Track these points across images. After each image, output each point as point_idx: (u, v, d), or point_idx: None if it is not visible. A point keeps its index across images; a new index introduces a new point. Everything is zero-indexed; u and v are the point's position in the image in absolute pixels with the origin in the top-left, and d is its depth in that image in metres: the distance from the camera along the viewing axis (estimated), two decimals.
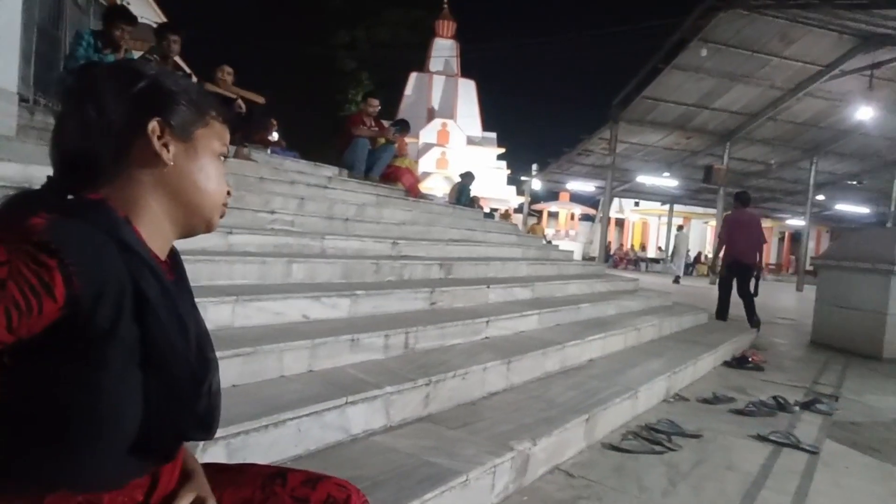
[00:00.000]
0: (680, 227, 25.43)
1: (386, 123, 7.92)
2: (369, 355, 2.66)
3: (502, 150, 28.11)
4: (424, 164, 25.01)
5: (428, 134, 26.35)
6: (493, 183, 26.69)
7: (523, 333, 3.79)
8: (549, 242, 10.89)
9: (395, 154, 7.64)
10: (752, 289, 6.79)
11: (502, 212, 25.87)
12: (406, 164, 7.98)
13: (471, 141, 27.08)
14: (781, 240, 36.16)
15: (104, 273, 0.72)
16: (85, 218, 0.74)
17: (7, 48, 3.47)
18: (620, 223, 35.71)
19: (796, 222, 28.14)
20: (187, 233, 0.90)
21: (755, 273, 6.84)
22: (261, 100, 5.81)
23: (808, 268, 18.54)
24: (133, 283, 0.75)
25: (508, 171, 28.06)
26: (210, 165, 0.89)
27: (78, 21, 7.50)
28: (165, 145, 0.84)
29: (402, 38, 29.88)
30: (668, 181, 21.93)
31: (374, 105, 7.59)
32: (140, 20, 5.26)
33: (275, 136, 9.16)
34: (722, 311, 7.04)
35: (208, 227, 0.92)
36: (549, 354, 3.44)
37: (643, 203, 31.38)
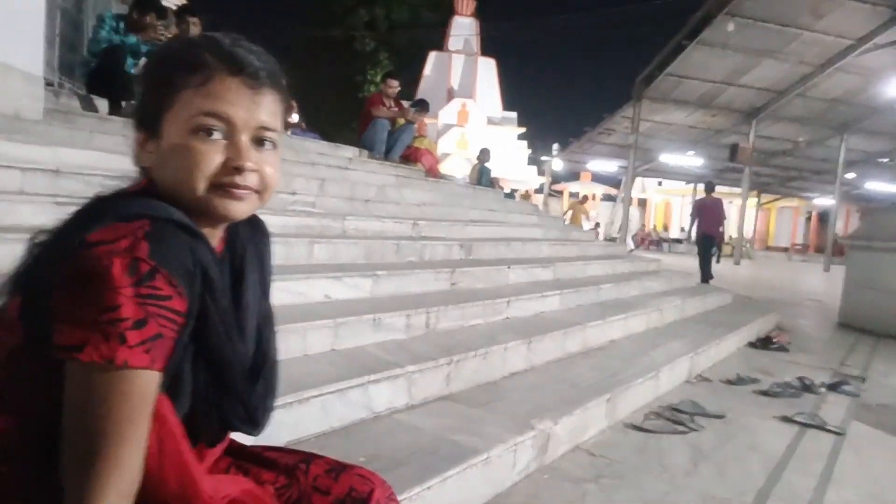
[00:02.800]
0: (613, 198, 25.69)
1: (405, 104, 7.88)
2: (391, 335, 2.67)
3: (523, 130, 27.82)
4: (444, 144, 24.89)
5: (448, 114, 26.18)
6: (514, 163, 26.47)
7: (544, 314, 3.78)
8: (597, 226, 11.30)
9: (415, 135, 7.63)
10: (714, 255, 9.07)
11: (523, 192, 25.71)
12: (426, 144, 7.97)
13: (491, 121, 26.85)
14: (808, 219, 35.44)
15: (194, 277, 0.73)
16: (160, 218, 0.72)
17: (32, 32, 3.50)
18: (643, 203, 35.27)
19: (824, 201, 27.54)
20: (209, 219, 0.80)
21: (716, 242, 9.14)
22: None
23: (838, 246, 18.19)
24: (202, 271, 0.74)
25: (529, 151, 27.81)
26: (176, 151, 0.76)
27: (101, 4, 7.55)
28: (144, 148, 0.80)
29: (421, 17, 29.57)
30: (692, 160, 21.56)
31: (394, 86, 7.55)
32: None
33: (295, 117, 9.19)
34: (703, 272, 8.83)
35: (214, 215, 0.79)
36: (571, 335, 3.44)
37: (666, 183, 30.93)
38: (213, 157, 0.76)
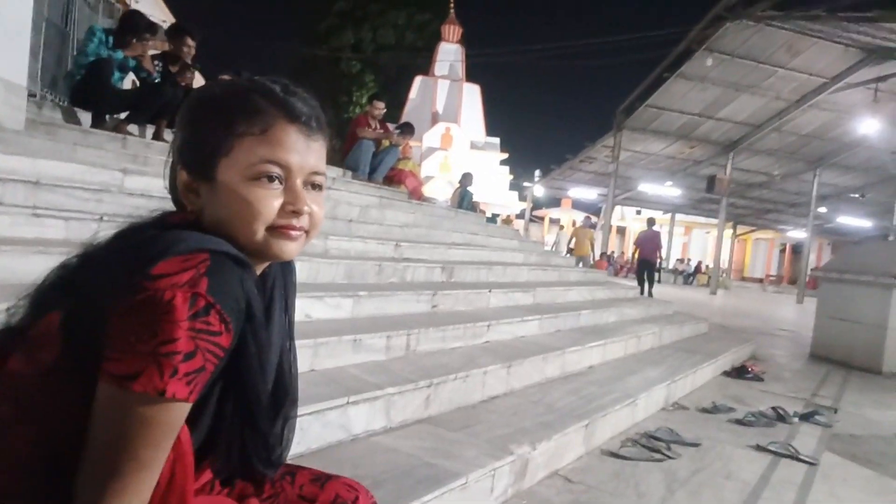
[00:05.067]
0: (561, 227, 26.37)
1: (391, 126, 7.94)
2: (371, 356, 2.66)
3: (505, 156, 28.16)
4: (427, 167, 25.05)
5: (431, 138, 26.40)
6: (495, 188, 26.72)
7: (524, 338, 3.79)
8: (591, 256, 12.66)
9: (399, 157, 7.67)
10: (654, 276, 11.86)
11: (504, 217, 25.90)
12: (409, 167, 8.01)
13: (474, 145, 27.13)
14: (782, 251, 36.17)
15: (242, 313, 0.74)
16: (218, 252, 0.73)
17: (17, 43, 3.48)
18: (622, 231, 35.73)
19: (798, 234, 28.15)
20: (257, 258, 0.83)
21: (656, 266, 11.95)
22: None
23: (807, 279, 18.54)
24: (247, 306, 0.75)
25: (511, 177, 28.11)
26: (237, 198, 0.78)
27: (87, 18, 7.53)
28: (194, 190, 0.81)
29: (407, 41, 29.96)
30: (670, 190, 21.97)
31: (380, 108, 7.61)
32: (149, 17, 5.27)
33: None
34: (641, 288, 10.99)
35: (267, 255, 0.82)
36: (550, 360, 3.45)
37: (645, 211, 31.42)
38: (273, 202, 0.79)
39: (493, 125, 29.37)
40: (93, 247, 0.79)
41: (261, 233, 0.79)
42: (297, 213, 0.80)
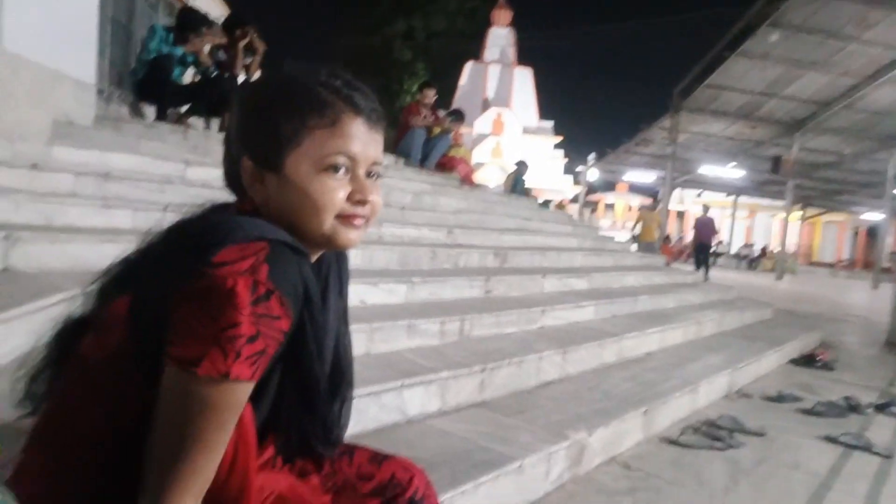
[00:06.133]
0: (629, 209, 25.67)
1: (441, 113, 7.93)
2: (425, 341, 2.68)
3: (559, 139, 27.70)
4: (479, 154, 24.94)
5: (483, 124, 26.26)
6: (549, 172, 26.36)
7: (579, 324, 3.74)
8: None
9: (451, 144, 7.66)
10: (709, 259, 13.23)
11: (557, 202, 25.56)
12: (461, 153, 7.98)
13: (526, 130, 26.82)
14: (856, 234, 34.29)
15: (299, 299, 0.76)
16: (277, 241, 0.75)
17: (85, 41, 3.64)
18: (681, 215, 34.66)
19: (873, 216, 26.61)
20: (318, 246, 0.86)
21: (711, 249, 13.61)
22: None
23: (885, 265, 17.54)
24: (304, 292, 0.77)
25: (565, 160, 27.65)
26: (306, 189, 0.81)
27: (148, 16, 7.81)
28: (259, 180, 0.83)
29: (458, 27, 29.78)
30: (732, 172, 21.12)
31: (431, 95, 7.61)
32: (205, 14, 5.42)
33: None
34: (699, 269, 11.80)
35: (332, 244, 0.85)
36: (606, 346, 3.39)
37: (706, 194, 30.35)
38: (341, 192, 0.82)
39: (547, 108, 28.92)
40: (156, 235, 0.82)
41: (329, 222, 0.81)
42: (362, 203, 0.83)
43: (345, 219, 0.82)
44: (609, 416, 2.47)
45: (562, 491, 2.11)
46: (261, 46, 5.22)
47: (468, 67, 28.16)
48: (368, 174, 0.85)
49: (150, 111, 4.80)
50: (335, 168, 0.81)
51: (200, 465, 0.70)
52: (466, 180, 7.55)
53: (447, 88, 26.07)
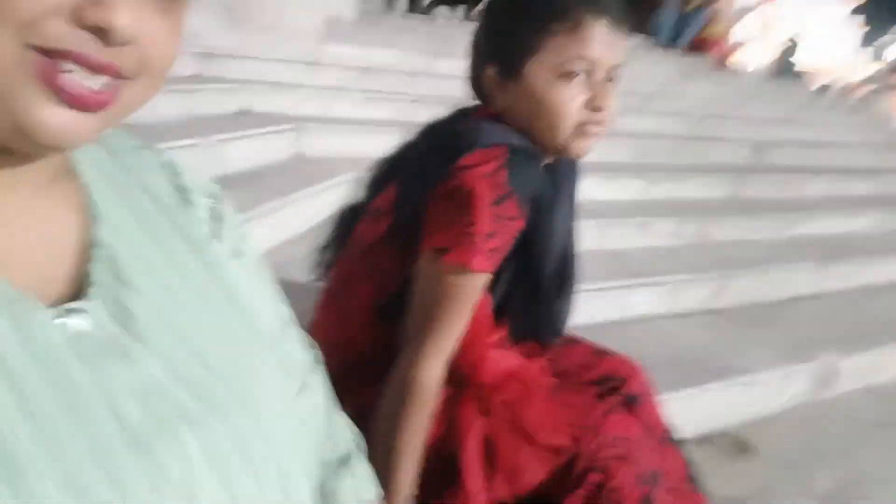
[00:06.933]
0: None
1: None
2: (659, 241, 2.59)
3: (858, 2, 22.33)
4: (741, 29, 21.56)
5: None
6: (837, 45, 21.77)
7: (848, 235, 3.23)
8: None
9: (707, 20, 6.78)
10: None
11: (845, 85, 21.25)
12: (718, 31, 7.04)
13: None
14: None
15: (532, 201, 0.84)
16: (516, 147, 0.82)
17: None
18: None
19: None
20: (553, 153, 0.89)
21: None
22: None
23: None
24: (538, 195, 0.85)
25: (865, 28, 22.32)
26: (544, 97, 0.82)
27: None
28: (501, 87, 0.86)
29: None
30: None
31: None
32: None
33: None
34: None
35: (565, 153, 0.88)
36: (876, 263, 2.91)
37: None
38: (577, 101, 0.82)
39: None
40: (413, 135, 0.94)
41: (566, 133, 0.83)
42: (598, 110, 0.83)
43: (580, 128, 0.83)
44: (869, 342, 2.18)
45: (799, 411, 1.96)
46: None
47: None
48: (608, 79, 0.83)
49: (402, 4, 5.07)
50: (572, 74, 0.81)
51: (445, 335, 0.82)
52: (722, 62, 6.70)
53: None
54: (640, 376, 1.04)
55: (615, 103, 0.84)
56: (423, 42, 3.88)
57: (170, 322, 0.40)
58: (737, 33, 7.74)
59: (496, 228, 0.78)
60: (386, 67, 3.15)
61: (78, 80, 0.32)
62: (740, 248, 2.70)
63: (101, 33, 0.31)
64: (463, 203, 0.78)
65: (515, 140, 0.82)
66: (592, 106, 0.82)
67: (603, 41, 0.81)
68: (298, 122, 2.34)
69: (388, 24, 4.22)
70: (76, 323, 0.35)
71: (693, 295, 2.28)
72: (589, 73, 0.81)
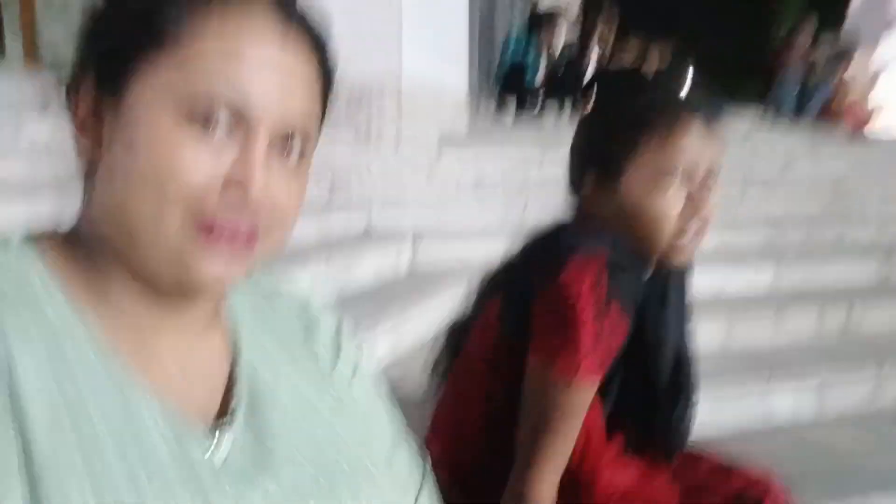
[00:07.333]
0: None
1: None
2: (797, 332, 2.38)
3: None
4: (884, 90, 19.86)
5: (890, 47, 20.78)
6: None
7: None
8: None
9: (836, 88, 6.38)
10: None
11: None
12: (852, 95, 6.58)
13: None
14: None
15: (636, 306, 0.85)
16: (617, 254, 0.84)
17: (458, 55, 4.14)
18: None
19: None
20: (651, 259, 0.89)
21: None
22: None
23: None
24: (642, 301, 0.86)
25: None
26: (643, 203, 0.84)
27: (507, 19, 8.50)
28: (600, 192, 0.88)
29: None
30: None
31: (807, 29, 6.44)
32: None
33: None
34: None
35: (664, 262, 0.87)
36: None
37: None
38: (677, 207, 0.83)
39: None
40: (517, 248, 0.98)
41: (666, 240, 0.84)
42: (697, 215, 0.83)
43: (678, 236, 0.84)
44: None
45: None
46: (610, 35, 5.28)
47: None
48: (707, 180, 0.84)
49: (509, 114, 5.33)
50: (672, 179, 0.82)
51: (556, 450, 0.82)
52: (858, 130, 6.22)
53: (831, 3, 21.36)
54: (779, 494, 0.94)
55: (716, 205, 0.84)
56: (530, 149, 3.95)
57: (308, 436, 0.49)
58: (875, 97, 7.08)
59: (599, 341, 0.79)
60: (494, 177, 3.30)
61: (230, 230, 0.42)
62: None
63: (244, 200, 0.41)
64: (565, 316, 0.79)
65: (615, 248, 0.83)
66: (692, 211, 0.82)
67: (698, 141, 0.82)
68: (415, 235, 2.48)
69: (497, 137, 4.36)
70: (224, 449, 0.44)
71: (844, 395, 2.05)
72: (688, 175, 0.83)
